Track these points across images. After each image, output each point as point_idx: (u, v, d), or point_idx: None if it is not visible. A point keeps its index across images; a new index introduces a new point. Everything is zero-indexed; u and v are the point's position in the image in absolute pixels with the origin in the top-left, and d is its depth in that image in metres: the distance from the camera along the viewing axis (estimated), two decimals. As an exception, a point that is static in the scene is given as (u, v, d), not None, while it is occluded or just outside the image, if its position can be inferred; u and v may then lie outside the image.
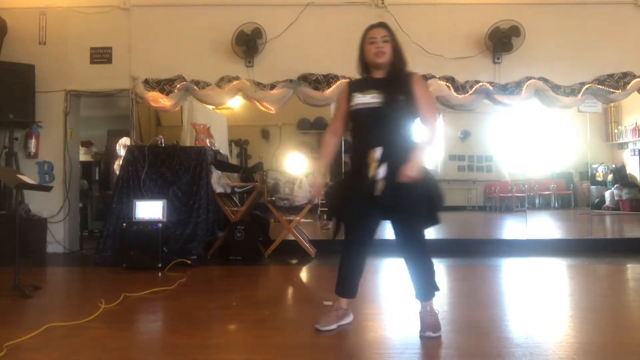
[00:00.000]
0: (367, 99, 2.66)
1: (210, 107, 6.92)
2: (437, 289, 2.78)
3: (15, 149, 6.00)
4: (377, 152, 2.58)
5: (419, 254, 2.71)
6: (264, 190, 5.66)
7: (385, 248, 6.07)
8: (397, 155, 2.57)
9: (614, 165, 10.46)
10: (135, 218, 5.07)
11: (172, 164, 5.46)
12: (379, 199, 2.57)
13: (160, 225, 4.97)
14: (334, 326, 2.79)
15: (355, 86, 2.79)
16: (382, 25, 2.77)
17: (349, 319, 2.90)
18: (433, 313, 2.73)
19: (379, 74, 2.76)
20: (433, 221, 2.74)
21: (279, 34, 6.09)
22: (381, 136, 2.61)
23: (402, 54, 2.77)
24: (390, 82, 2.69)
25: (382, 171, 2.57)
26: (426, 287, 2.74)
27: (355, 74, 5.92)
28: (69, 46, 6.23)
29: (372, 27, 2.77)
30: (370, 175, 2.58)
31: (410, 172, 2.49)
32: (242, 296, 3.83)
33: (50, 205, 6.09)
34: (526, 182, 10.16)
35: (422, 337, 2.69)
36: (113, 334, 2.89)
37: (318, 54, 6.11)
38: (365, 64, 2.80)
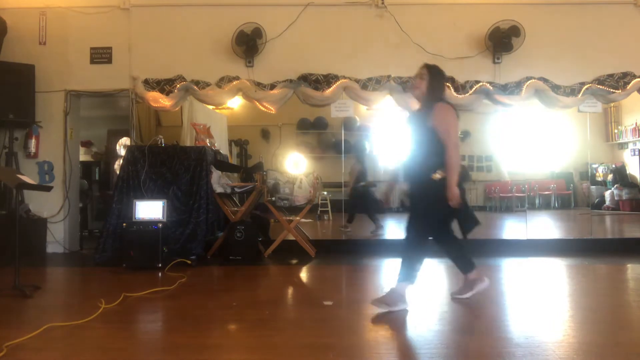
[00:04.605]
0: None
1: (210, 107, 6.92)
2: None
3: (15, 149, 6.01)
4: None
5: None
6: (264, 190, 5.66)
7: (385, 249, 6.10)
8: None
9: (614, 165, 10.45)
10: (135, 218, 5.07)
11: (172, 164, 5.46)
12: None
13: (160, 225, 4.97)
14: (469, 294, 3.48)
15: None
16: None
17: (484, 284, 3.50)
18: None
19: None
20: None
21: (279, 34, 6.09)
22: None
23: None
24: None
25: None
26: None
27: (354, 74, 5.93)
28: (69, 46, 6.24)
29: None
30: None
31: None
32: (242, 296, 3.83)
33: (50, 205, 6.09)
34: (526, 182, 10.14)
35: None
36: (113, 334, 2.89)
37: (318, 54, 6.12)
38: None
